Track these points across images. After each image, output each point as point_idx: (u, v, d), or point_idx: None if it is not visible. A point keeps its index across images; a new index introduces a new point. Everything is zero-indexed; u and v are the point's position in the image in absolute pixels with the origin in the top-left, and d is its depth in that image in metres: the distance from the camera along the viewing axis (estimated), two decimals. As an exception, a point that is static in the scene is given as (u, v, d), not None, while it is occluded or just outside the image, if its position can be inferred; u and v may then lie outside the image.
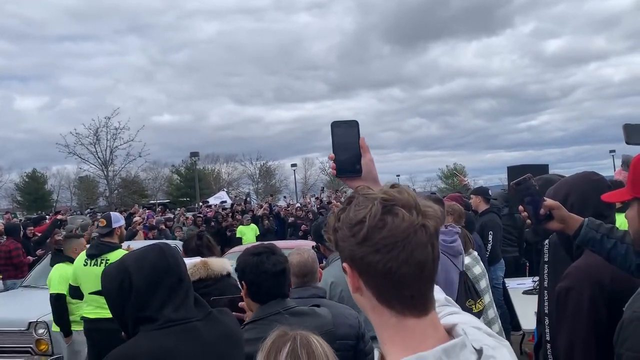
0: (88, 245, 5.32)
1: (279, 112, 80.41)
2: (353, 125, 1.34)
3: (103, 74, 71.45)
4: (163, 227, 13.95)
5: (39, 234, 9.87)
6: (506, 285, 6.11)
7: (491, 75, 77.31)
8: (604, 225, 1.92)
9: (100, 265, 4.79)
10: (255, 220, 15.32)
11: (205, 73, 72.78)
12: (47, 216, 16.14)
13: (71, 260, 5.24)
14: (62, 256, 5.46)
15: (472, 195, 7.17)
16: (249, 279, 2.28)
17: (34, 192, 46.10)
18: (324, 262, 3.73)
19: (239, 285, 2.33)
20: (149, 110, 67.80)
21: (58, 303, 5.17)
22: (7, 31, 67.44)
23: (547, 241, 2.56)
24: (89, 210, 32.77)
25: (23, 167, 49.04)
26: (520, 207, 1.96)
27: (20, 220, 16.46)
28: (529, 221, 1.96)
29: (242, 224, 14.55)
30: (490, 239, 6.44)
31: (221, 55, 73.37)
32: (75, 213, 28.34)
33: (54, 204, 46.28)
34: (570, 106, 73.79)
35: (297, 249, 2.87)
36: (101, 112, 50.38)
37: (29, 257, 8.86)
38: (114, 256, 4.71)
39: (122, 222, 5.15)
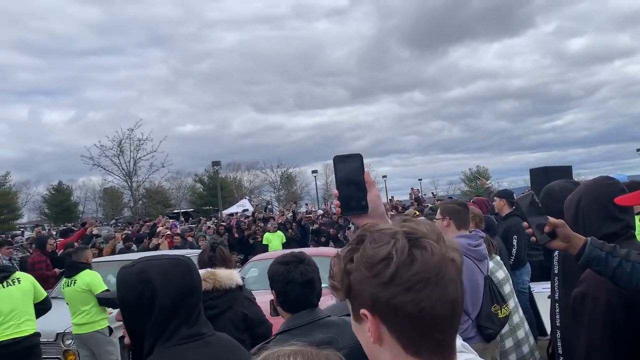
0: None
1: (299, 118, 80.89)
2: (357, 159, 1.27)
3: (127, 87, 72.84)
4: (189, 237, 14.02)
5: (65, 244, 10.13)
6: (531, 289, 6.00)
7: (513, 76, 76.67)
8: (607, 244, 1.87)
9: (15, 285, 5.26)
10: (281, 227, 15.31)
11: (227, 82, 73.71)
12: (74, 228, 16.43)
13: (90, 267, 5.98)
14: (79, 264, 5.90)
15: (495, 198, 7.05)
16: (277, 287, 2.27)
17: (59, 204, 46.92)
18: None
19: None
20: (172, 120, 68.98)
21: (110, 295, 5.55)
22: (34, 46, 69.57)
23: (556, 253, 2.51)
24: (114, 221, 33.29)
25: (50, 180, 50.10)
26: (525, 224, 1.94)
27: (49, 231, 16.78)
28: (533, 238, 1.93)
29: (269, 232, 14.46)
30: (514, 243, 6.33)
31: (242, 64, 74.23)
32: (101, 224, 28.80)
33: (80, 215, 47.09)
34: (595, 105, 72.85)
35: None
36: (126, 124, 51.39)
37: (55, 269, 8.98)
38: (20, 274, 5.46)
39: None
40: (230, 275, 3.27)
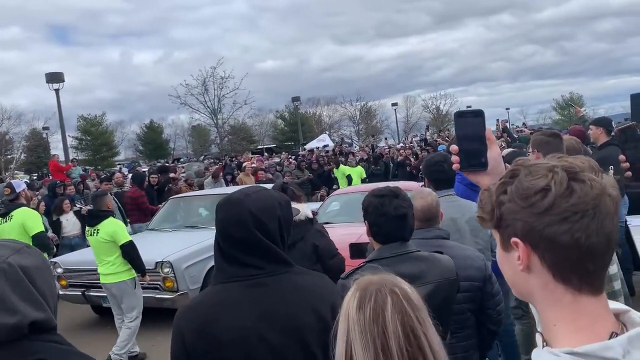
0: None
1: (380, 49, 79.19)
2: (479, 115, 1.27)
3: (210, 24, 74.19)
4: (273, 170, 14.46)
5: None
6: (628, 222, 5.66)
7: (614, -9, 69.37)
8: None
9: (7, 222, 5.72)
10: (367, 162, 15.24)
11: (306, 15, 72.94)
12: (167, 164, 17.42)
13: (112, 214, 5.71)
14: (100, 212, 5.59)
15: (591, 127, 6.58)
16: (371, 219, 2.30)
17: (152, 141, 49.75)
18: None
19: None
20: (254, 57, 69.92)
21: (134, 248, 5.50)
22: (120, -10, 71.61)
23: None
24: (203, 157, 34.84)
25: (142, 119, 52.96)
26: (621, 157, 1.79)
27: (150, 169, 17.89)
28: (628, 173, 1.78)
29: (346, 165, 14.35)
30: (610, 173, 5.93)
31: (320, -5, 72.56)
32: (190, 160, 30.30)
33: (172, 152, 49.75)
34: None
35: (419, 192, 2.83)
36: (210, 62, 52.56)
37: (159, 205, 9.59)
38: (18, 213, 5.76)
39: (24, 186, 6.28)
40: (298, 209, 3.42)
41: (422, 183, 8.78)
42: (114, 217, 5.65)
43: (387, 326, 1.21)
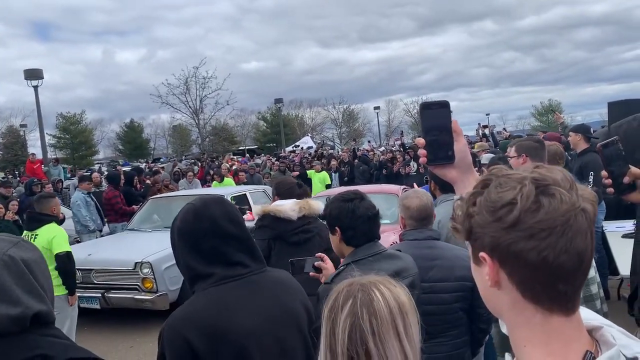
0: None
1: (363, 53, 79.42)
2: (444, 105, 1.21)
3: (194, 24, 73.62)
4: (253, 172, 14.42)
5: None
6: (604, 228, 5.76)
7: (594, 1, 70.77)
8: None
9: None
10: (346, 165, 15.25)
11: (291, 17, 72.84)
12: (145, 164, 17.21)
13: (56, 220, 5.13)
14: (43, 216, 5.02)
15: (570, 133, 6.67)
16: (345, 223, 2.33)
17: (132, 141, 49.11)
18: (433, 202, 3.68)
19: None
20: (237, 57, 69.63)
21: (70, 261, 4.90)
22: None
23: None
24: (183, 157, 34.53)
25: (123, 118, 52.22)
26: (604, 172, 1.79)
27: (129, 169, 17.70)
28: (610, 189, 1.78)
29: (316, 171, 13.78)
30: (590, 180, 6.02)
31: (305, -2, 72.62)
32: (170, 160, 29.97)
33: (152, 152, 49.21)
34: (686, 31, 66.26)
35: (414, 191, 2.86)
36: (193, 62, 52.11)
37: (133, 206, 9.47)
38: None
39: None
40: (318, 205, 3.64)
41: (404, 187, 8.79)
42: (58, 223, 5.12)
43: (335, 326, 1.25)
